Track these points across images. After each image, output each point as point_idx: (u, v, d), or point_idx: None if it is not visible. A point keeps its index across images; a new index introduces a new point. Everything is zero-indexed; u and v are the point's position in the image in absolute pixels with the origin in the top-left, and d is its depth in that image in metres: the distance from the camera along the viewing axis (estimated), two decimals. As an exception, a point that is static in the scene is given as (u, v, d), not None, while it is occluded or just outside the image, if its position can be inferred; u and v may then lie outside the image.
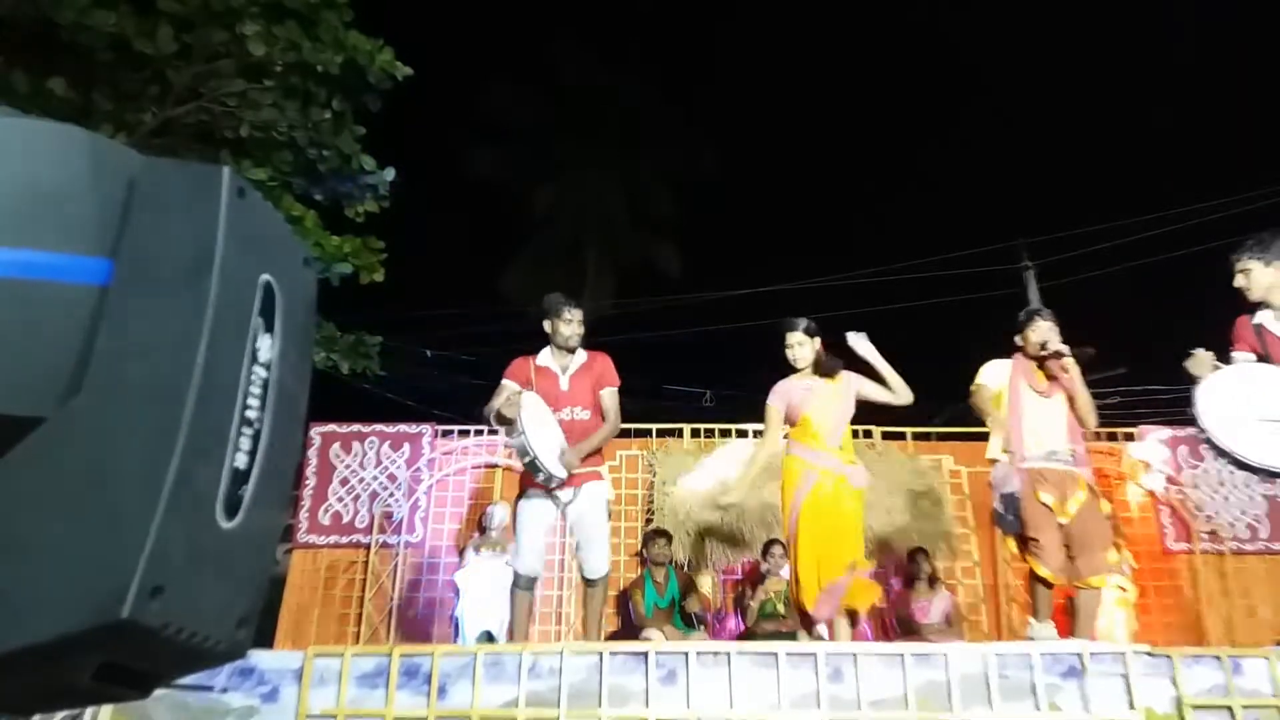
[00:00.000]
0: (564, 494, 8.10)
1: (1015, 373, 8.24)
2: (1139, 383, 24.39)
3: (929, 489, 13.20)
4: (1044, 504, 7.81)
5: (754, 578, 11.82)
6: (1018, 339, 8.36)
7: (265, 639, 11.41)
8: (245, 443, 1.83)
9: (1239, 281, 7.15)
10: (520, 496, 8.31)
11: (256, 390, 1.87)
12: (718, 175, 33.07)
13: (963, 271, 24.71)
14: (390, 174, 11.85)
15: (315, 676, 6.49)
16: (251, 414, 1.86)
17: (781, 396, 8.45)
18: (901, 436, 13.92)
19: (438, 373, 24.33)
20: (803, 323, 8.53)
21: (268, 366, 1.91)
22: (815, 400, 8.32)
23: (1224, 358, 7.11)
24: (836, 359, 8.47)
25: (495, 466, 13.42)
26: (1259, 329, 7.09)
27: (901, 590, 12.07)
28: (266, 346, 1.91)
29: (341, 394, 16.80)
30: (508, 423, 7.78)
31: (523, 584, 8.16)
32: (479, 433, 13.44)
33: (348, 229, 12.08)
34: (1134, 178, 38.23)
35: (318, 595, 12.72)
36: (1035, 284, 24.18)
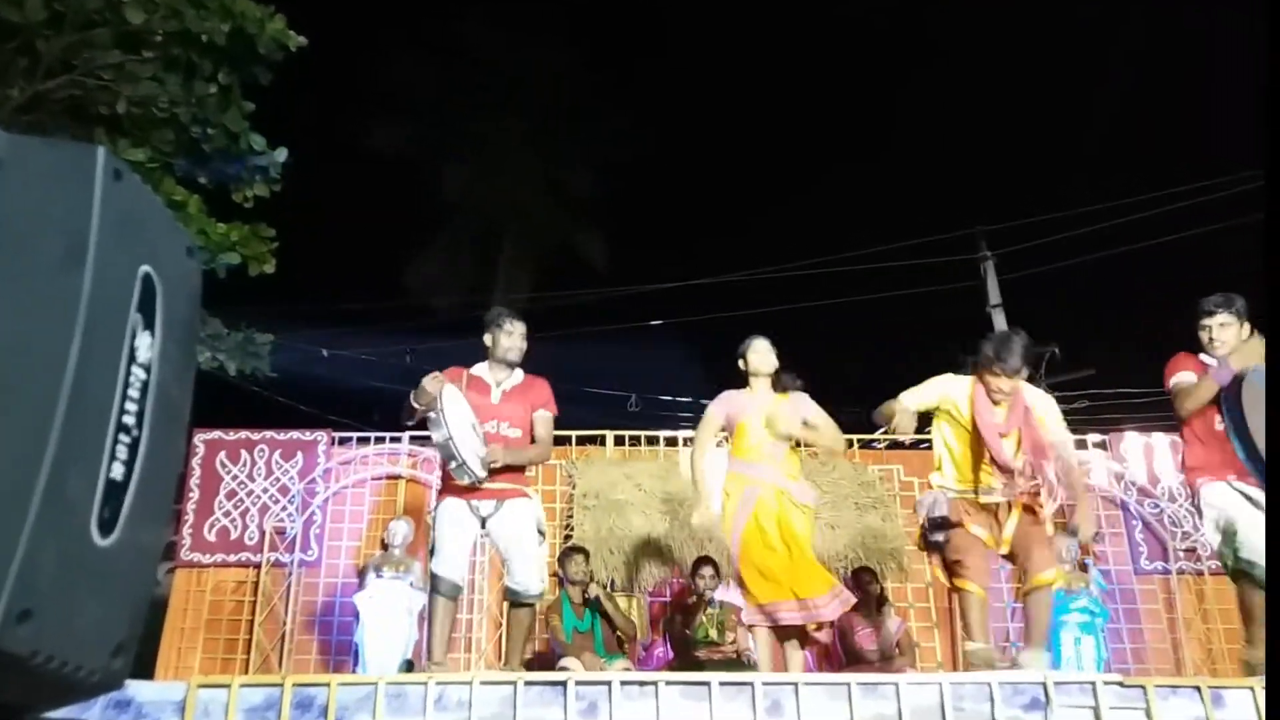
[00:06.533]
0: (484, 505, 8.09)
1: (978, 407, 8.24)
2: (1109, 384, 24.54)
3: (877, 503, 13.24)
4: (974, 534, 8.05)
5: (684, 600, 11.77)
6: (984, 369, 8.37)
7: (144, 668, 11.30)
8: (122, 451, 1.82)
9: (1217, 334, 7.64)
10: (439, 504, 8.28)
11: (135, 393, 1.86)
12: (647, 154, 32.93)
13: (915, 262, 24.77)
14: (282, 154, 11.76)
15: (199, 709, 6.45)
16: (129, 420, 1.84)
17: (723, 404, 8.70)
18: (848, 445, 13.96)
19: (334, 374, 24.21)
20: (766, 338, 8.80)
21: (147, 367, 1.90)
22: (758, 411, 8.51)
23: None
24: (796, 377, 8.77)
25: (398, 478, 13.35)
26: (1211, 368, 7.58)
27: (847, 614, 12.03)
28: (146, 345, 1.90)
29: (228, 397, 16.72)
30: (427, 401, 7.79)
31: (444, 589, 8.04)
32: (380, 440, 13.41)
33: (235, 215, 11.98)
34: (1103, 161, 38.44)
35: (202, 619, 12.63)
36: (994, 276, 24.23)
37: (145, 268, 1.91)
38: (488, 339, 8.45)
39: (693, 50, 44.24)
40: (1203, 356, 7.70)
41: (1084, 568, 12.09)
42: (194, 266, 2.20)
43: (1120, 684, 6.63)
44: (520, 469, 8.37)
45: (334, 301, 25.77)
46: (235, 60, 11.07)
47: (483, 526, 8.21)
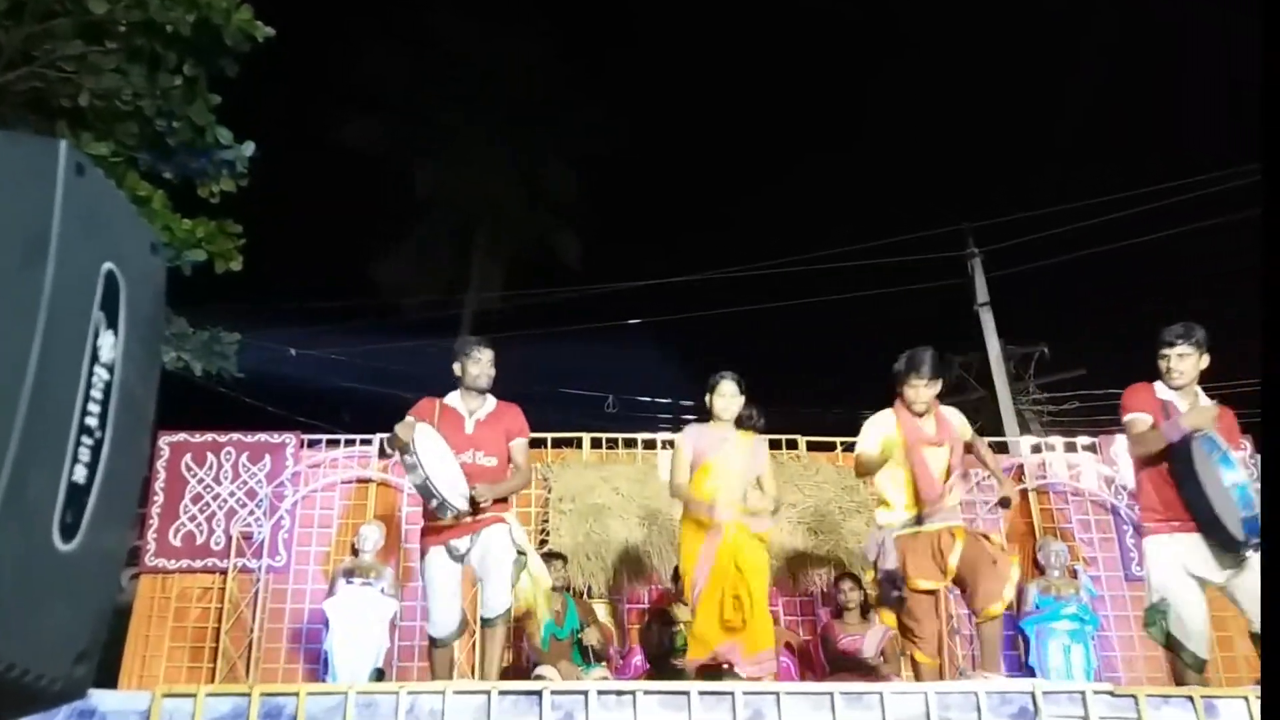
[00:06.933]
0: (462, 544, 8.41)
1: (904, 429, 8.63)
2: (1100, 385, 24.52)
3: (861, 507, 13.19)
4: (924, 590, 8.40)
5: (662, 607, 11.74)
6: (900, 387, 8.75)
7: (108, 677, 11.27)
8: (84, 454, 1.81)
9: (1175, 364, 7.91)
10: (423, 556, 8.61)
11: (97, 394, 1.85)
12: (621, 147, 32.82)
13: (900, 260, 24.68)
14: (249, 148, 11.68)
15: (164, 719, 6.44)
16: (91, 421, 1.83)
17: (691, 439, 9.05)
18: (830, 447, 13.95)
19: (303, 374, 24.11)
20: (733, 375, 9.09)
21: (110, 367, 1.89)
22: (723, 452, 8.90)
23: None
24: (758, 416, 9.19)
25: (368, 481, 13.29)
26: (1167, 405, 7.89)
27: (830, 621, 11.97)
28: (109, 344, 1.89)
29: (194, 398, 16.67)
30: (401, 446, 8.06)
31: (442, 644, 8.59)
32: (350, 443, 13.37)
33: (201, 211, 11.90)
34: (1096, 157, 38.43)
35: (168, 627, 12.56)
36: (982, 273, 24.14)
37: (108, 265, 1.90)
38: (457, 368, 8.75)
39: (665, 41, 44.18)
40: (1159, 387, 7.99)
41: (1074, 574, 12.10)
42: (158, 264, 2.19)
43: (1111, 693, 6.64)
44: (503, 497, 8.65)
45: (303, 300, 25.69)
46: (201, 51, 11.00)
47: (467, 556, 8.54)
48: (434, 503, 7.98)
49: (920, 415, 8.60)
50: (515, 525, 8.65)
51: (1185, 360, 7.84)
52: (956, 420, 8.80)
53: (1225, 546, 7.40)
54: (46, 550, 1.71)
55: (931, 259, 24.81)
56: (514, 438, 8.74)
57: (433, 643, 8.61)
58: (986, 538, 8.65)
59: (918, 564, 8.35)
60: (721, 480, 8.77)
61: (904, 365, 8.60)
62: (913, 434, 8.51)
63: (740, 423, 9.01)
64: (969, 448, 8.80)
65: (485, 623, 8.57)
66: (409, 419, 8.34)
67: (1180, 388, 7.89)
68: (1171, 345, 7.87)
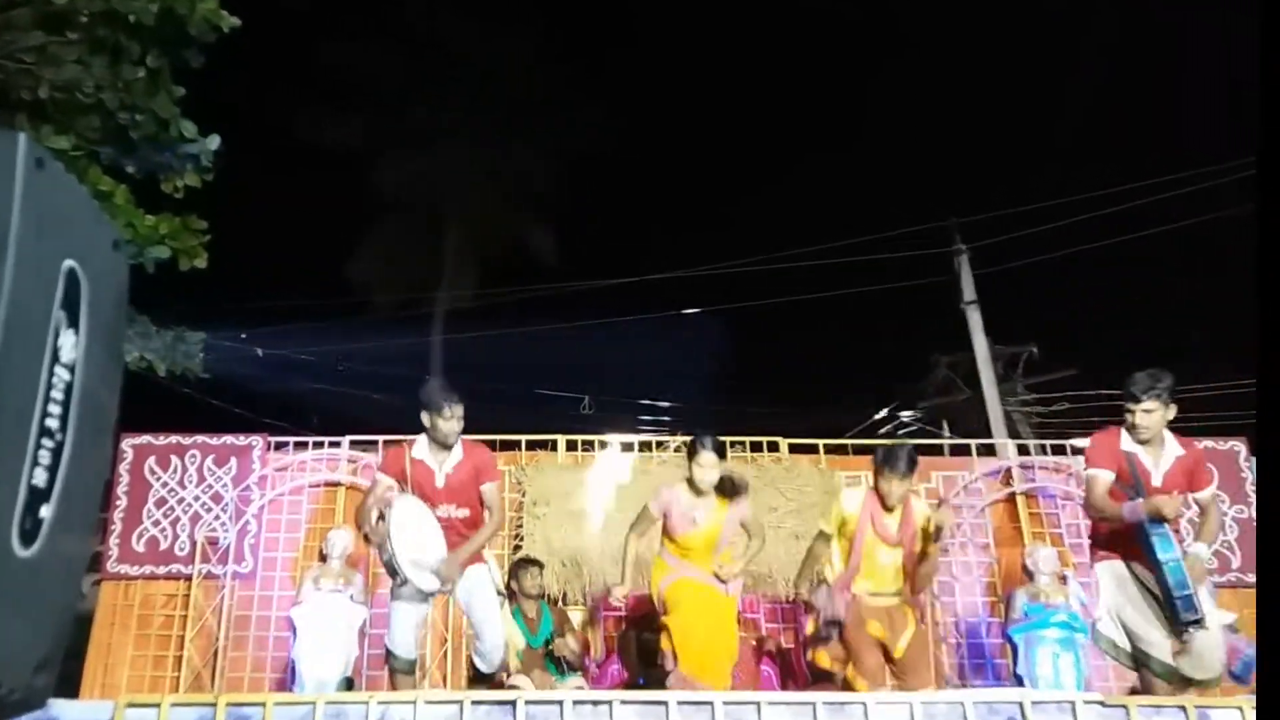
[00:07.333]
0: (446, 587, 8.56)
1: (865, 512, 8.88)
2: (1090, 385, 24.49)
3: (845, 510, 13.21)
4: (872, 635, 8.65)
5: (639, 615, 11.72)
6: (875, 479, 8.96)
7: (69, 686, 11.23)
8: (45, 457, 1.80)
9: (1140, 420, 8.01)
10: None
11: (58, 395, 1.84)
12: (602, 145, 32.75)
13: (885, 256, 24.63)
14: (214, 142, 11.58)
15: (127, 730, 6.42)
16: (52, 423, 1.83)
17: (662, 505, 9.13)
18: (813, 449, 13.93)
19: (270, 375, 24.03)
20: (714, 442, 9.11)
21: (71, 368, 1.88)
22: (699, 525, 9.02)
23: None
24: (744, 481, 9.24)
25: (337, 485, 13.25)
26: (1131, 457, 8.04)
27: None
28: (70, 344, 1.88)
29: (157, 399, 16.60)
30: (378, 543, 8.27)
31: (400, 666, 8.63)
32: (318, 445, 13.33)
33: (165, 206, 11.83)
34: (1084, 153, 38.44)
35: (130, 634, 12.51)
36: (969, 271, 24.09)
37: (69, 262, 1.90)
38: (425, 419, 8.73)
39: (662, 40, 44.15)
40: (1125, 437, 8.13)
41: (1063, 580, 12.09)
42: (121, 260, 2.18)
43: (1102, 703, 6.64)
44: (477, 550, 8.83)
45: (270, 298, 25.56)
46: (165, 42, 10.92)
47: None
48: (408, 592, 8.31)
49: (890, 509, 8.77)
50: (494, 568, 8.91)
51: (1151, 415, 7.94)
52: (920, 518, 8.87)
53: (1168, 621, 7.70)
54: (5, 556, 1.70)
55: (917, 255, 24.80)
56: (484, 482, 8.80)
57: (391, 663, 8.71)
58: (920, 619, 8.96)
59: (874, 618, 8.64)
60: (694, 550, 8.98)
61: (880, 461, 8.84)
62: (865, 527, 8.77)
63: (723, 492, 9.03)
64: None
65: (479, 675, 8.87)
66: (381, 481, 8.60)
67: (1146, 441, 8.01)
68: (1137, 400, 7.96)
